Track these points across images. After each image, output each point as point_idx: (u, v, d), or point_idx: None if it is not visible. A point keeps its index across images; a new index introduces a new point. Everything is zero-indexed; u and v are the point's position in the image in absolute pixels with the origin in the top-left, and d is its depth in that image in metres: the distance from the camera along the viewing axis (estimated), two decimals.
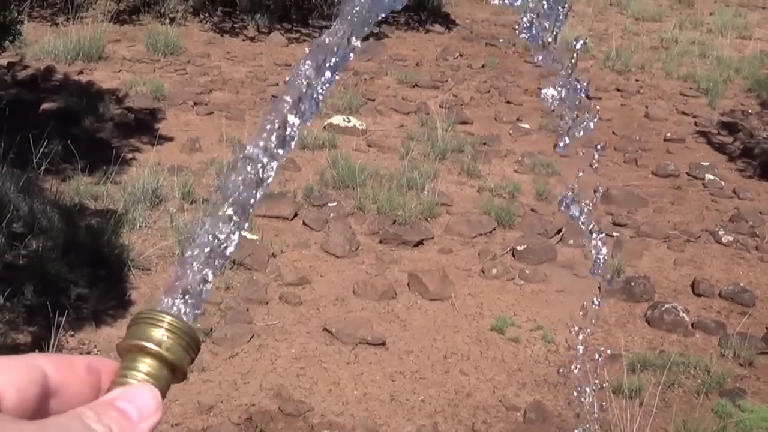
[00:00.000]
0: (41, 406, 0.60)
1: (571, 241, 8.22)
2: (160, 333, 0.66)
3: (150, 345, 0.66)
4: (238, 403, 5.38)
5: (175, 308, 0.68)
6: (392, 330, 6.42)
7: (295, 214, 8.09)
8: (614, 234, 8.46)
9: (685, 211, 9.40)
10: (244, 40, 14.59)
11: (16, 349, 5.51)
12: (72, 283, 6.42)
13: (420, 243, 7.84)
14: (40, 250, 6.52)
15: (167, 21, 14.04)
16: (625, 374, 5.87)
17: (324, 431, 5.18)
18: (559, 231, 8.40)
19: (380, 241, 7.79)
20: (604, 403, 5.47)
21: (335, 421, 5.30)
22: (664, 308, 6.95)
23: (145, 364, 0.66)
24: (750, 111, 13.56)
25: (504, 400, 5.70)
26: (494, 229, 8.31)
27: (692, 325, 6.90)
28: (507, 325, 6.60)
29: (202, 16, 14.97)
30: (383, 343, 6.19)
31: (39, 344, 5.53)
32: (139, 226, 7.29)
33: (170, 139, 9.79)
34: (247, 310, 6.42)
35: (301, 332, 6.27)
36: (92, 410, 0.60)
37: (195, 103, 11.16)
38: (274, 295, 6.72)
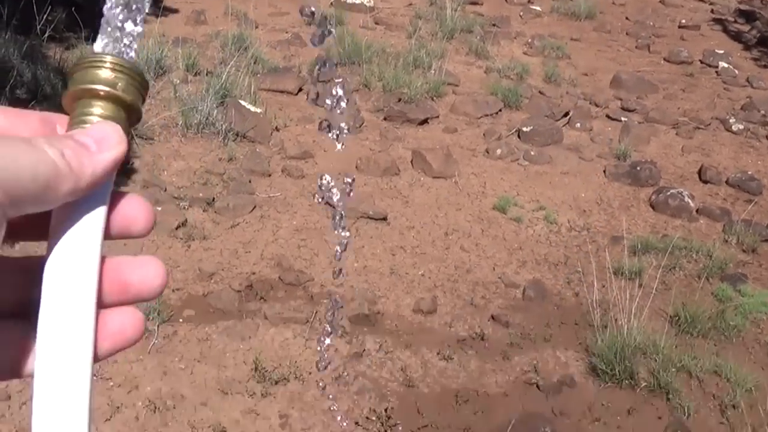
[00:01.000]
0: None
1: (578, 124, 8.14)
2: (109, 74, 0.60)
3: (103, 87, 0.59)
4: (239, 271, 5.37)
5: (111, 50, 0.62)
6: (394, 206, 6.38)
7: (300, 89, 7.99)
8: (622, 119, 8.37)
9: (696, 99, 9.29)
10: None
11: None
12: None
13: (425, 121, 7.76)
14: None
15: None
16: (627, 256, 5.85)
17: (323, 301, 5.17)
18: (566, 114, 8.31)
19: (385, 118, 7.70)
20: (604, 284, 5.46)
21: (335, 292, 5.29)
22: (669, 193, 6.89)
23: (100, 108, 0.60)
24: None
25: (503, 277, 5.68)
26: (500, 110, 8.22)
27: (697, 210, 6.86)
28: (510, 204, 6.56)
29: None
30: (385, 218, 6.16)
31: None
32: None
33: (175, 11, 9.64)
34: (250, 181, 6.38)
35: (303, 204, 6.23)
36: (44, 137, 0.55)
37: None
38: (276, 167, 6.66)
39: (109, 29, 0.61)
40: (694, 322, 5.19)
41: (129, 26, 0.61)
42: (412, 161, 7.00)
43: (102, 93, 0.59)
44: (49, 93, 6.83)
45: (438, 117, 7.90)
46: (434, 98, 8.23)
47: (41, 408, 0.55)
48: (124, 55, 0.61)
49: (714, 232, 6.60)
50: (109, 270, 0.60)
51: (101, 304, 0.58)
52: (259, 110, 7.23)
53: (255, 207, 6.07)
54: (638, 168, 7.28)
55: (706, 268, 5.91)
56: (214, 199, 6.03)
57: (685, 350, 4.92)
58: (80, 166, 0.55)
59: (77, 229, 0.57)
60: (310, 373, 4.49)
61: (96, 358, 0.58)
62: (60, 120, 0.61)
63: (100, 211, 0.58)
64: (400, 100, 7.91)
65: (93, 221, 0.58)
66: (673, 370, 4.68)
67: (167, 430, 3.98)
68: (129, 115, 0.61)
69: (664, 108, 8.80)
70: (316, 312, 5.01)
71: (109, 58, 0.60)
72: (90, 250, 0.57)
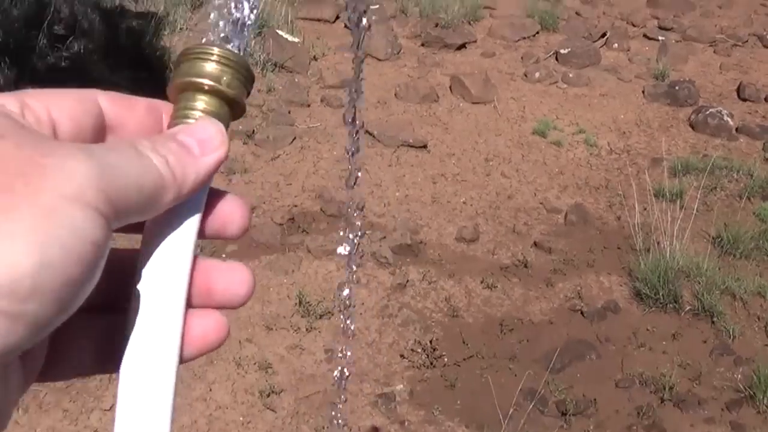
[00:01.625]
0: (97, 140, 0.57)
1: (616, 45, 8.09)
2: (214, 67, 0.62)
3: (207, 81, 0.62)
4: (280, 203, 5.43)
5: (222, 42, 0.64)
6: (434, 133, 6.40)
7: (337, 17, 7.97)
8: (660, 38, 8.30)
9: (733, 15, 9.19)
10: None
11: None
12: (114, 85, 6.41)
13: (462, 46, 7.74)
14: (82, 51, 6.49)
15: None
16: (667, 178, 5.86)
17: (366, 232, 5.23)
18: (603, 35, 8.25)
19: (422, 44, 7.69)
20: (645, 207, 5.48)
21: (377, 222, 5.35)
22: (708, 112, 6.86)
23: (203, 102, 0.62)
24: None
25: (545, 202, 5.72)
26: (538, 33, 8.18)
27: (737, 129, 6.83)
28: (549, 128, 6.57)
29: None
30: (425, 146, 6.19)
31: None
32: (180, 29, 7.23)
33: None
34: (289, 112, 6.41)
35: (343, 134, 6.25)
36: (149, 140, 0.56)
37: None
38: (315, 97, 6.69)
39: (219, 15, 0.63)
40: (736, 242, 5.21)
41: (243, 10, 0.63)
42: (450, 87, 7.00)
43: (206, 87, 0.61)
44: (86, 28, 6.86)
45: (476, 41, 7.88)
46: (471, 22, 8.20)
47: (125, 406, 0.56)
48: (234, 44, 0.63)
49: (754, 150, 6.58)
50: (198, 273, 0.59)
51: (188, 306, 0.59)
52: (296, 39, 7.24)
53: (295, 138, 6.12)
54: (677, 87, 7.25)
55: (747, 188, 5.91)
56: (254, 131, 6.08)
57: (728, 272, 4.95)
58: (184, 172, 0.55)
59: (173, 235, 0.58)
60: (354, 307, 4.56)
61: (180, 360, 0.59)
62: (166, 108, 0.63)
63: (196, 216, 0.59)
64: (437, 25, 7.89)
65: (188, 226, 0.59)
66: (717, 292, 4.71)
67: (212, 368, 4.07)
68: (233, 109, 0.63)
69: (701, 25, 8.71)
70: (359, 244, 5.06)
71: (216, 50, 0.61)
72: (183, 255, 0.58)
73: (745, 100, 7.36)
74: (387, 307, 4.56)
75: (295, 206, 5.43)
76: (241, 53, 0.63)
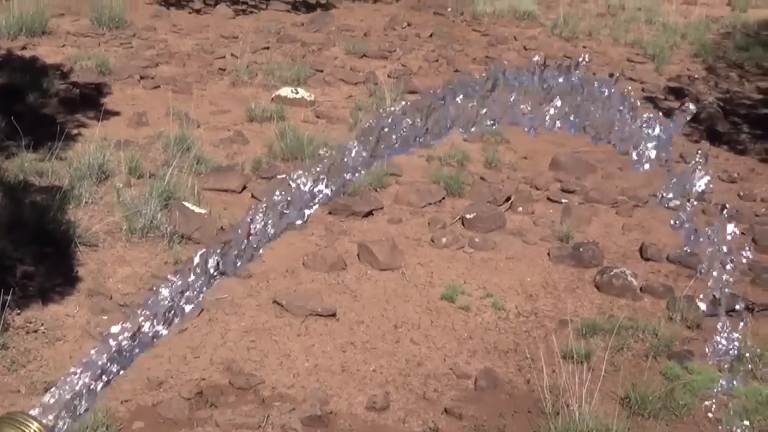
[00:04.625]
0: None
1: (520, 209, 8.25)
2: None
3: None
4: (188, 377, 5.35)
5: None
6: (342, 301, 6.41)
7: (244, 187, 8.04)
8: (563, 200, 8.50)
9: (633, 176, 9.44)
10: (190, 13, 14.45)
11: None
12: (17, 260, 6.34)
13: (369, 213, 7.83)
14: None
15: None
16: (575, 339, 5.92)
17: (275, 403, 5.16)
18: (508, 198, 8.43)
19: (330, 212, 7.76)
20: (554, 369, 5.51)
21: (286, 393, 5.29)
22: (612, 273, 6.99)
23: None
24: (696, 76, 13.67)
25: (455, 368, 5.72)
26: (444, 198, 8.32)
27: (641, 289, 6.96)
28: (457, 293, 6.62)
29: None
30: (334, 314, 6.18)
31: None
32: (86, 202, 7.20)
33: (116, 114, 9.68)
34: None
35: (251, 305, 6.24)
36: None
37: (141, 77, 11.04)
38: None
39: None
40: (644, 402, 5.25)
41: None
42: (358, 255, 7.05)
43: None
44: None
45: (382, 208, 7.98)
46: (378, 189, 8.31)
47: None
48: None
49: (658, 309, 6.70)
50: None
51: None
52: (203, 210, 7.25)
53: (203, 310, 6.07)
54: (581, 249, 7.39)
55: (653, 347, 5.99)
56: None
57: None
58: None
59: None
60: None
61: None
62: None
63: None
64: (344, 193, 7.98)
65: None
66: None
67: None
68: None
69: (603, 187, 8.96)
70: (268, 416, 5.00)
71: (35, 426, 0.62)
72: None
73: (647, 259, 7.53)
74: None
75: (203, 379, 5.35)
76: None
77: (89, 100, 9.91)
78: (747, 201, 9.01)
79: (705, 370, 5.75)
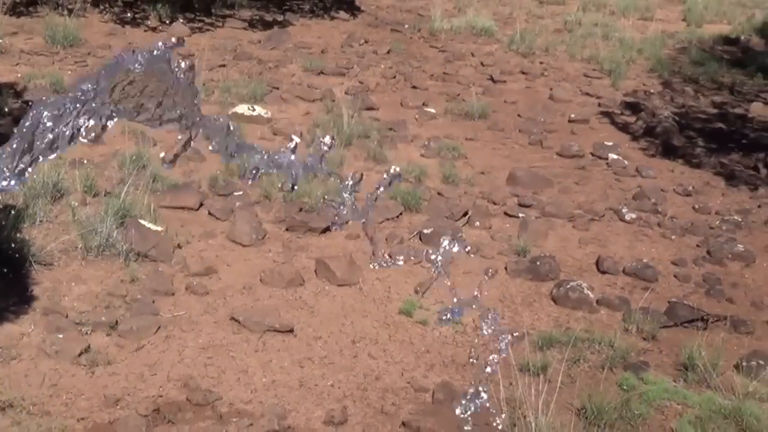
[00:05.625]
0: None
1: (477, 223, 8.29)
2: None
3: None
4: (145, 395, 5.32)
5: None
6: (300, 317, 6.40)
7: (201, 204, 8.01)
8: (520, 215, 8.55)
9: (590, 191, 9.55)
10: (145, 31, 14.39)
11: None
12: None
13: (327, 229, 7.83)
14: None
15: (66, 12, 13.70)
16: (532, 352, 5.95)
17: (233, 419, 5.15)
18: (465, 213, 8.47)
19: (287, 229, 7.76)
20: (510, 382, 5.53)
21: (244, 409, 5.27)
22: (569, 286, 7.05)
23: None
24: (652, 91, 13.83)
25: (413, 381, 5.73)
26: (401, 214, 8.34)
27: (597, 301, 7.02)
28: (415, 307, 6.63)
29: (102, 7, 14.68)
30: (291, 330, 6.17)
31: None
32: (40, 221, 7.14)
33: None
34: (153, 301, 6.35)
35: (209, 322, 6.22)
36: None
37: None
38: (180, 285, 6.65)
39: None
40: (600, 413, 5.29)
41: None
42: (316, 270, 7.05)
43: None
44: None
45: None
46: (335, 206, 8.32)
47: None
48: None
49: (614, 321, 6.76)
50: None
51: None
52: (159, 228, 7.23)
53: (160, 327, 6.04)
54: (538, 263, 7.44)
55: (609, 359, 6.03)
56: (117, 322, 5.98)
57: None
58: None
59: None
60: None
61: None
62: None
63: None
64: (301, 209, 7.99)
65: None
66: None
67: None
68: None
69: (560, 202, 9.02)
70: (226, 431, 4.98)
71: None
72: None
73: (604, 272, 7.59)
74: None
75: (160, 396, 5.33)
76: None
77: None
78: (702, 214, 9.11)
79: (660, 381, 5.81)
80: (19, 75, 11.16)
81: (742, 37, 17.50)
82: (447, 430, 5.17)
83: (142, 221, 7.13)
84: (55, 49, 12.61)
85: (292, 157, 1.90)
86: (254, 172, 1.92)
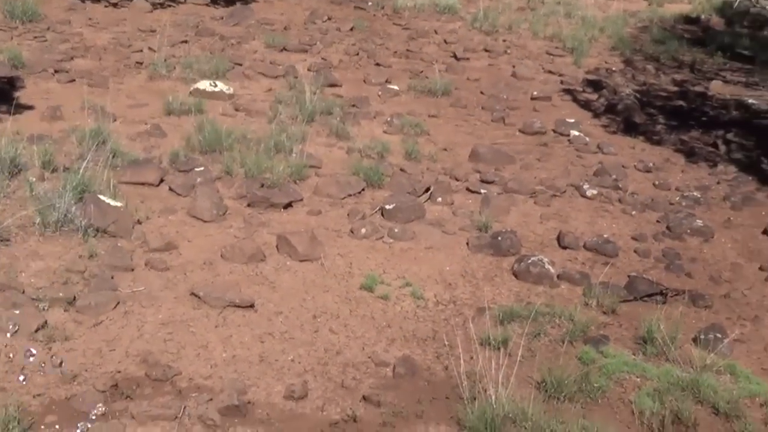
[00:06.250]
0: None
1: (439, 199, 8.29)
2: None
3: None
4: (103, 370, 5.27)
5: None
6: (261, 292, 6.37)
7: (161, 180, 7.96)
8: (482, 191, 8.55)
9: (551, 167, 9.57)
10: (106, 6, 14.27)
11: None
12: None
13: (289, 205, 7.80)
14: None
15: None
16: (493, 326, 5.96)
17: (192, 394, 5.11)
18: (427, 189, 8.46)
19: (248, 205, 7.72)
20: (471, 356, 5.54)
21: (203, 384, 5.24)
22: (530, 261, 7.06)
23: None
24: (614, 69, 13.90)
25: (373, 356, 5.72)
26: (363, 190, 8.33)
27: (558, 276, 7.03)
28: (376, 283, 6.62)
29: None
30: (252, 306, 6.14)
31: None
32: None
33: (30, 108, 9.53)
34: (112, 277, 6.29)
35: (168, 297, 6.17)
36: None
37: (56, 71, 10.89)
38: (139, 261, 6.60)
39: None
40: (560, 386, 5.30)
41: None
42: (277, 246, 7.01)
43: None
44: None
45: (302, 200, 7.95)
46: (297, 181, 8.29)
47: None
48: None
49: (575, 296, 6.78)
50: None
51: None
52: (119, 204, 7.16)
53: (119, 303, 5.99)
54: (499, 238, 7.45)
55: (569, 332, 6.05)
56: (75, 298, 5.92)
57: (553, 415, 5.02)
58: None
59: None
60: None
61: None
62: None
63: None
64: (263, 185, 7.94)
65: None
66: None
67: None
68: None
69: (522, 178, 9.04)
70: (185, 407, 4.95)
71: None
72: None
73: (565, 248, 7.61)
74: None
75: (119, 372, 5.28)
76: None
77: (1, 94, 9.74)
78: (662, 190, 9.17)
79: (619, 354, 5.84)
80: None
81: (703, 17, 17.60)
82: (408, 404, 5.17)
83: (101, 197, 7.06)
84: (13, 24, 12.48)
85: None
86: None
